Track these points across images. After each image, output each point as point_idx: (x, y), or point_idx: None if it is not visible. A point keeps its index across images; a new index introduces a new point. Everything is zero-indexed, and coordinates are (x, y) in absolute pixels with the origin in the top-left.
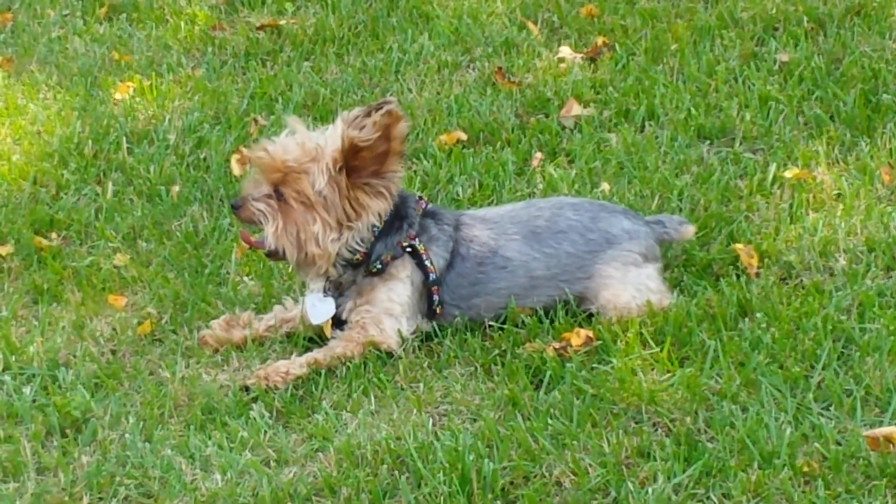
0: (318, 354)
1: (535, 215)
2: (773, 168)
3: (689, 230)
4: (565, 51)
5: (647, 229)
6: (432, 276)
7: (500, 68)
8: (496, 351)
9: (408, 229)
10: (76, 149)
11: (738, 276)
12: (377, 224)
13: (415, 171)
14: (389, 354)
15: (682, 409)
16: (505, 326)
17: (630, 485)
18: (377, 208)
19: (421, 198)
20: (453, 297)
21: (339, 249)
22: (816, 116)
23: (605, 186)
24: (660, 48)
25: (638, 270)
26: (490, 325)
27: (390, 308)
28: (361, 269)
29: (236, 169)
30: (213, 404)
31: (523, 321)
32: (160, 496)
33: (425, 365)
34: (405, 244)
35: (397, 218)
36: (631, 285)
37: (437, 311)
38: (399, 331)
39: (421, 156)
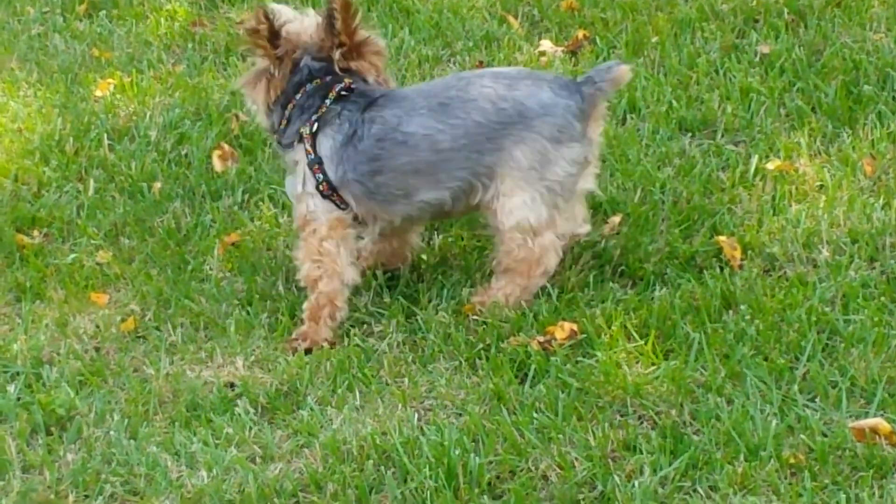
0: None
1: (451, 86)
2: (755, 160)
3: (621, 72)
4: (546, 44)
5: (569, 102)
6: (310, 157)
7: (480, 62)
8: (480, 345)
9: (312, 115)
10: (57, 146)
11: (721, 269)
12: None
13: None
14: (374, 350)
15: (667, 402)
16: (489, 321)
17: (616, 478)
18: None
19: (350, 82)
20: (355, 173)
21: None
22: (798, 108)
23: None
24: (640, 41)
25: (543, 167)
26: (474, 319)
27: (292, 193)
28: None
29: (218, 165)
30: (198, 401)
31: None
32: (146, 493)
33: (410, 360)
34: (302, 129)
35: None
36: (528, 192)
37: (322, 188)
38: (308, 211)
39: None
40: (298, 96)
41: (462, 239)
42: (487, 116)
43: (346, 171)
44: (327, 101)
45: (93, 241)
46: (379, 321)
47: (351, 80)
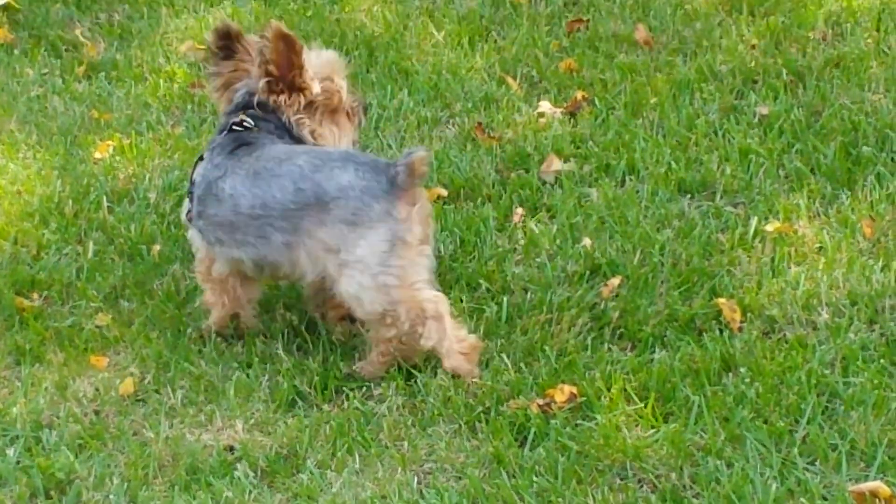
0: None
1: (276, 156)
2: (754, 221)
3: (416, 158)
4: (545, 105)
5: (370, 184)
6: (188, 185)
7: (479, 123)
8: (480, 408)
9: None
10: (56, 208)
11: (720, 331)
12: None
13: None
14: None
15: (667, 465)
16: (489, 383)
17: None
18: None
19: (243, 120)
20: (195, 208)
21: None
22: (797, 169)
23: (587, 241)
24: (639, 102)
25: (347, 249)
26: (474, 381)
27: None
28: None
29: None
30: (198, 464)
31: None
32: None
33: (409, 423)
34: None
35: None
36: (347, 275)
37: (189, 216)
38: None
39: None
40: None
41: (461, 301)
42: (286, 195)
43: (194, 206)
44: (219, 135)
45: (92, 304)
46: (378, 384)
47: (243, 118)
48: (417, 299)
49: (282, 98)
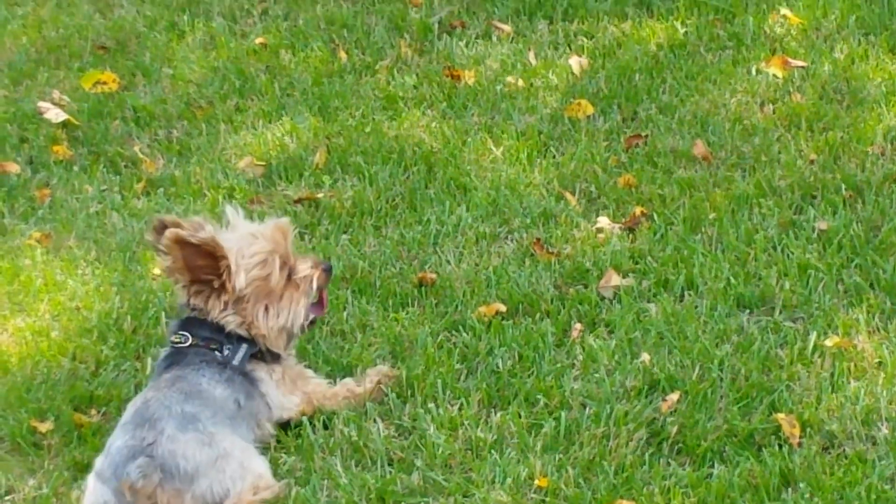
0: None
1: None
2: (813, 336)
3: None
4: (603, 221)
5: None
6: None
7: (538, 239)
8: None
9: None
10: (115, 324)
11: (780, 446)
12: None
13: (454, 344)
14: None
15: None
16: (548, 499)
17: None
18: None
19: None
20: None
21: None
22: (856, 284)
23: (646, 356)
24: (698, 217)
25: None
26: (531, 497)
27: None
28: None
29: None
30: None
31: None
32: None
33: None
34: None
35: None
36: None
37: None
38: None
39: (460, 328)
40: None
41: (520, 416)
42: None
43: None
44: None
45: None
46: (437, 499)
47: (176, 339)
48: None
49: (207, 300)
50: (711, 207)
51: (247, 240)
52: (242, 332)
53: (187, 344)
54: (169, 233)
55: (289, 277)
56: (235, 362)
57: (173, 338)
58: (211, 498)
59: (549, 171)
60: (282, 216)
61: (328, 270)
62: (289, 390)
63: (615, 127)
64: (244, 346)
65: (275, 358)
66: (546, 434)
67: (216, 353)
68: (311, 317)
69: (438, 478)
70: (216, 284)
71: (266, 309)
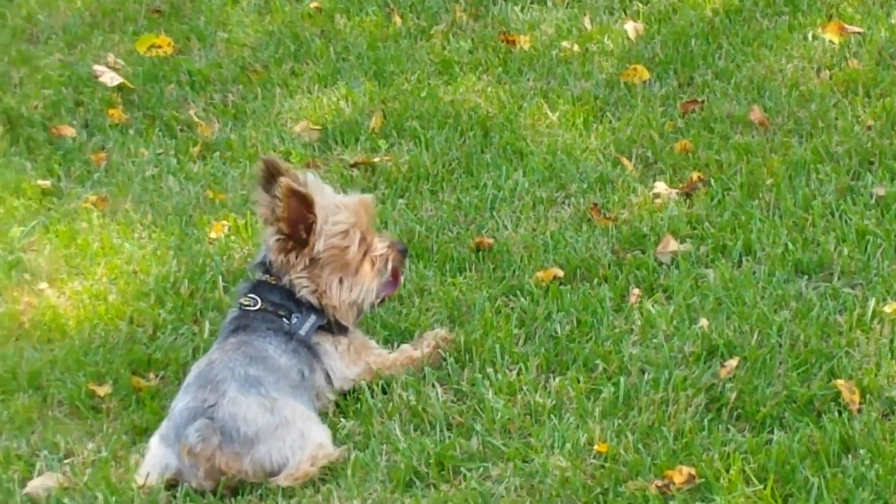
0: None
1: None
2: (872, 303)
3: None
4: (660, 186)
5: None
6: None
7: (595, 204)
8: (598, 489)
9: None
10: (172, 288)
11: (839, 413)
12: None
13: (511, 309)
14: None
15: None
16: (607, 464)
17: None
18: None
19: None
20: None
21: None
22: None
23: (704, 322)
24: (755, 183)
25: None
26: (591, 462)
27: None
28: None
29: None
30: None
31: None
32: None
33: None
34: None
35: None
36: None
37: None
38: None
39: (518, 292)
40: None
41: (578, 381)
42: None
43: None
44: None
45: None
46: (496, 464)
47: (245, 302)
48: None
49: (290, 257)
50: (769, 173)
51: (332, 208)
52: (313, 301)
53: (256, 307)
54: (284, 182)
55: (365, 254)
56: (302, 332)
57: (243, 300)
58: (269, 465)
59: (606, 136)
60: (340, 182)
61: (403, 252)
62: (352, 361)
63: (671, 92)
64: (312, 318)
65: (342, 330)
66: (605, 399)
67: (283, 320)
68: (383, 294)
69: (497, 443)
70: (306, 241)
71: (340, 281)
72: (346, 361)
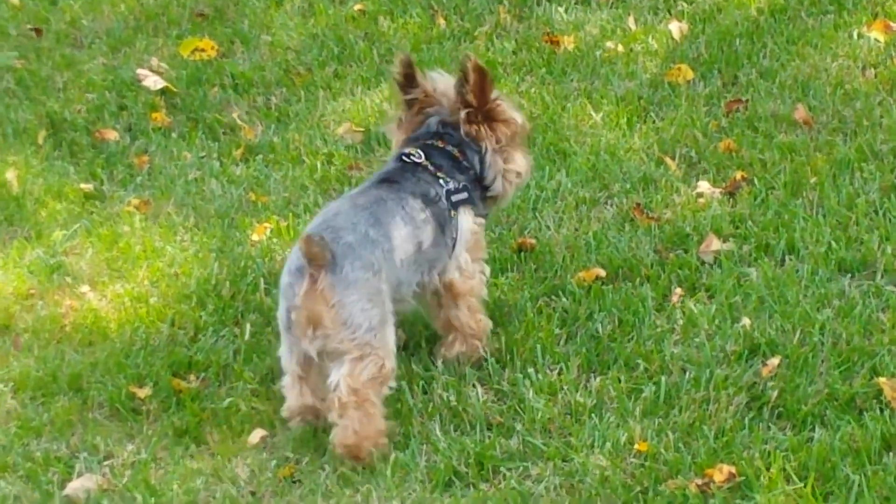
0: None
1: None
2: None
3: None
4: (704, 185)
5: None
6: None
7: (638, 204)
8: (638, 488)
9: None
10: (214, 290)
11: (881, 410)
12: None
13: (553, 309)
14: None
15: None
16: (647, 463)
17: None
18: None
19: (411, 153)
20: None
21: None
22: None
23: (746, 321)
24: (799, 182)
25: None
26: (631, 461)
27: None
28: None
29: None
30: None
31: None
32: None
33: (566, 503)
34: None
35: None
36: None
37: None
38: None
39: (560, 293)
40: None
41: (619, 381)
42: None
43: None
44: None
45: (249, 385)
46: (536, 463)
47: (412, 151)
48: None
49: (482, 129)
50: (812, 172)
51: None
52: (488, 174)
53: (420, 160)
54: (472, 57)
55: None
56: (453, 199)
57: (409, 150)
58: (349, 334)
59: (649, 135)
60: None
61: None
62: (474, 255)
63: (715, 92)
64: (465, 192)
65: (482, 215)
66: (646, 398)
67: (440, 181)
68: None
69: (537, 442)
70: (498, 115)
71: (524, 154)
72: (470, 246)
